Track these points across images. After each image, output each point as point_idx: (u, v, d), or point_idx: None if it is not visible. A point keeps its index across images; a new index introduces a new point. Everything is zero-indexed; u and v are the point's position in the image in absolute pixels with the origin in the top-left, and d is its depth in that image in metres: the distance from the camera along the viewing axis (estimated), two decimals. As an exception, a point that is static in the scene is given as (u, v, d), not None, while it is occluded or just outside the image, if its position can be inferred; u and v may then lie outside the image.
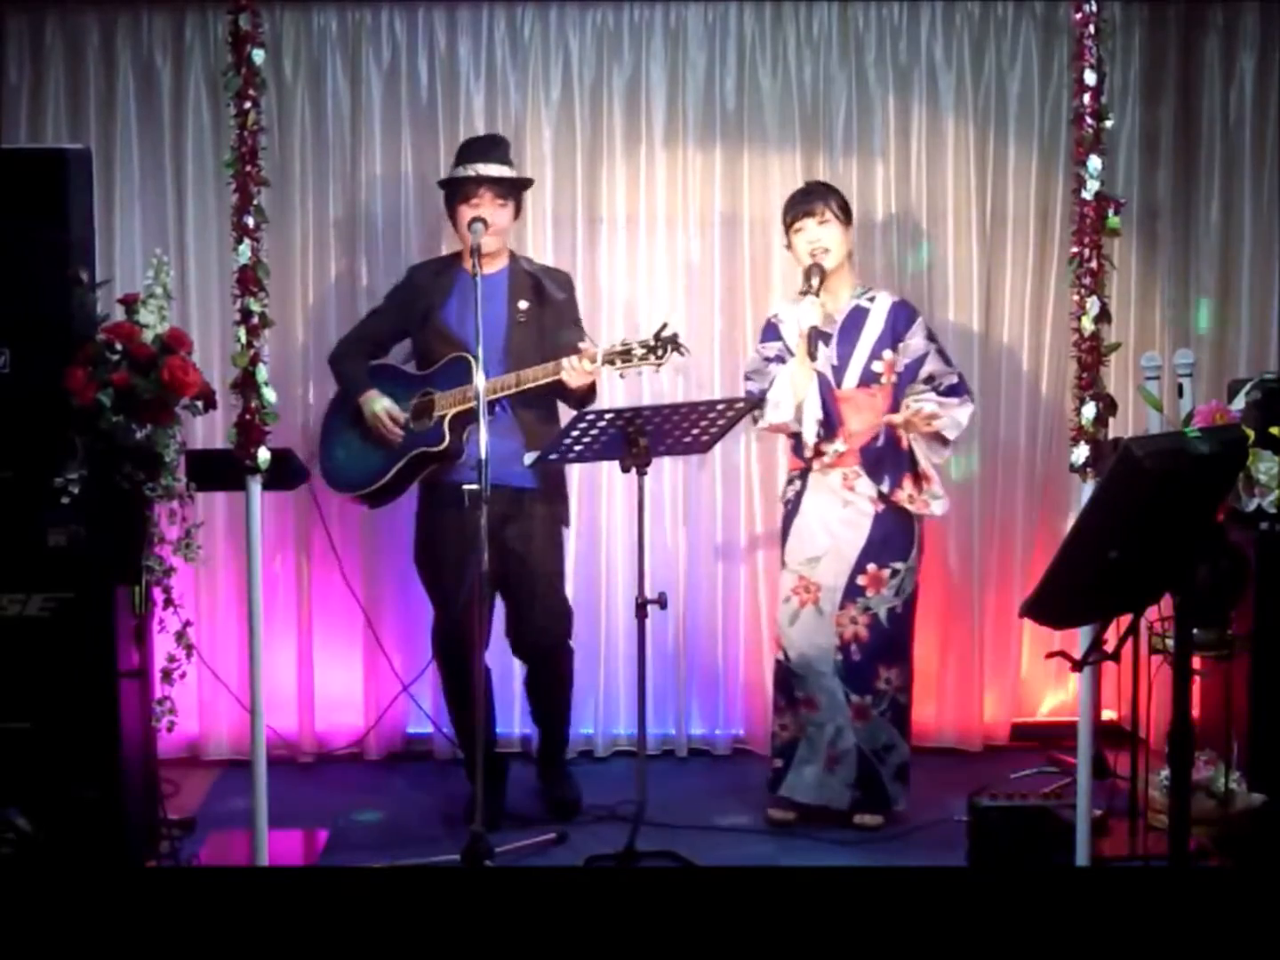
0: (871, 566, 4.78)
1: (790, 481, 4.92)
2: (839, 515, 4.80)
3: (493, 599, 4.85)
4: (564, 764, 5.10)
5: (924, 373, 4.80)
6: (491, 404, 4.67)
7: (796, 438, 4.84)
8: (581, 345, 4.66)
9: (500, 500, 4.64)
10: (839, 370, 4.81)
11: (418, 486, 4.91)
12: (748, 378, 4.92)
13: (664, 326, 4.59)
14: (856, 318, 4.85)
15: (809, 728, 4.81)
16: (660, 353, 4.55)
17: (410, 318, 4.92)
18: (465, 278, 4.78)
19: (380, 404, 4.83)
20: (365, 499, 4.95)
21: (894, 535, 4.79)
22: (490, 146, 4.90)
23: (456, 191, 4.83)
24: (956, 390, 4.82)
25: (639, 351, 4.58)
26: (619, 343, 4.66)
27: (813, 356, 4.73)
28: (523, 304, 4.85)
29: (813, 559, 4.81)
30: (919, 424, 4.71)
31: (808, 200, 4.83)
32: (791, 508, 4.87)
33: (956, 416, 4.79)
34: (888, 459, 4.77)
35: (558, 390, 4.75)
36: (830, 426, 4.78)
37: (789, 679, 4.85)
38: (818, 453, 4.79)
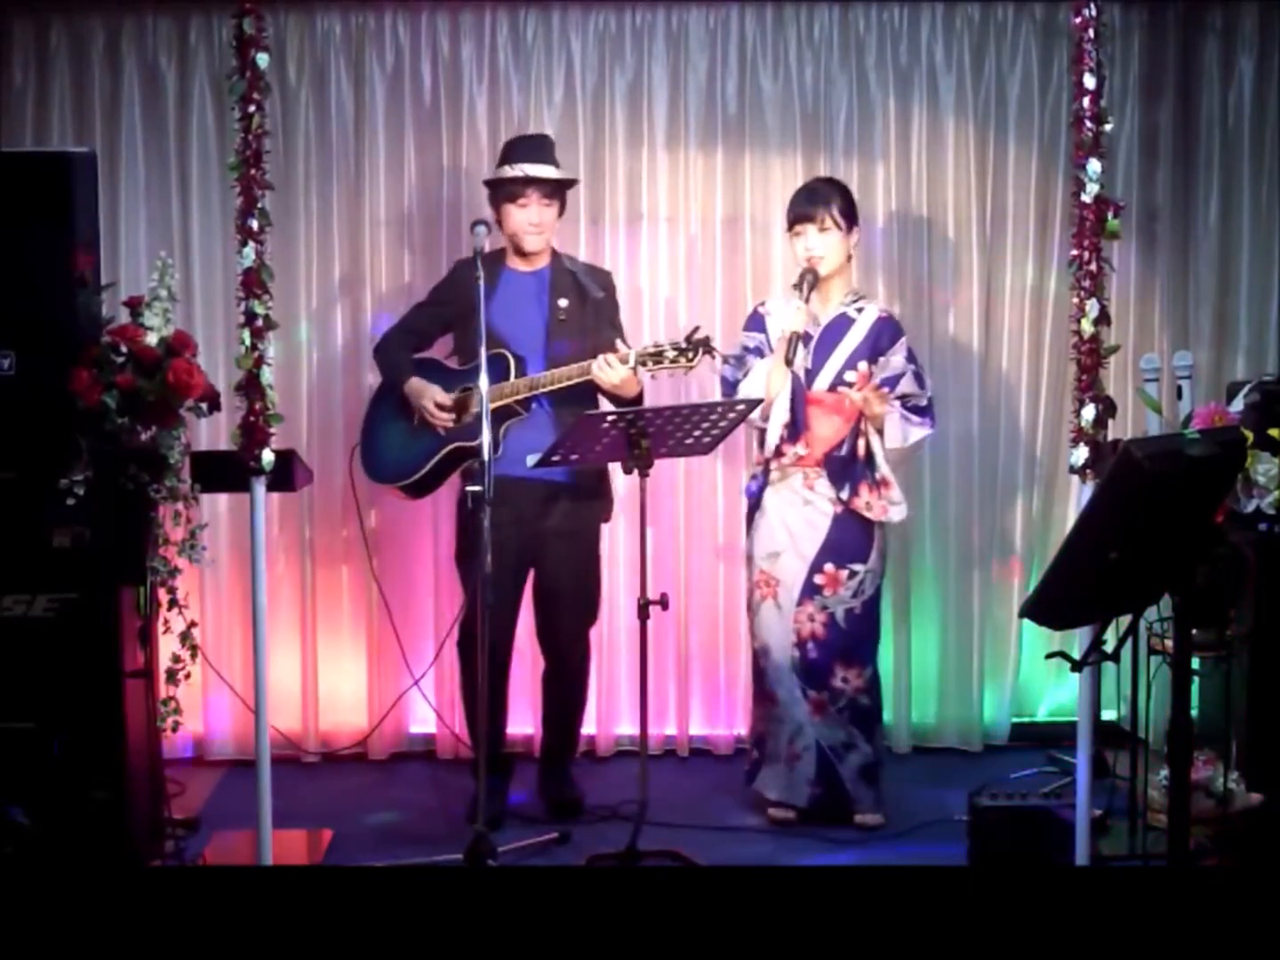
0: (829, 566, 4.80)
1: (754, 476, 4.95)
2: (799, 514, 4.83)
3: (519, 597, 4.89)
4: (568, 764, 5.11)
5: (898, 391, 4.81)
6: (529, 401, 4.73)
7: (761, 433, 4.87)
8: (617, 345, 4.70)
9: (533, 495, 4.74)
10: (812, 374, 4.84)
11: (459, 481, 4.92)
12: (725, 360, 4.90)
13: (696, 329, 4.64)
14: (840, 325, 4.87)
15: (771, 723, 4.85)
16: (692, 355, 4.60)
17: (453, 313, 4.92)
18: (509, 275, 4.86)
19: (426, 390, 4.85)
20: (404, 490, 4.98)
21: (853, 537, 4.81)
22: (538, 146, 4.91)
23: (502, 190, 4.84)
24: (922, 412, 4.84)
25: (671, 353, 4.62)
26: (651, 344, 4.72)
27: (789, 362, 4.74)
28: (563, 302, 4.87)
29: (773, 554, 4.84)
30: (874, 399, 4.72)
31: (811, 204, 4.83)
32: (754, 502, 4.90)
33: (908, 431, 4.79)
34: (848, 467, 4.80)
35: (604, 393, 4.78)
36: (795, 429, 4.81)
37: (758, 671, 4.91)
38: (779, 453, 4.82)
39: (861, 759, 4.83)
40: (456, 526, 5.00)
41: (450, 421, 4.82)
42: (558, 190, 4.90)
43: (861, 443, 4.81)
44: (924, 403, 4.85)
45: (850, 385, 4.81)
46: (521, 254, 4.89)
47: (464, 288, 4.83)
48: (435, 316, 4.98)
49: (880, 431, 4.79)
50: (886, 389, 4.78)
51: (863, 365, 4.83)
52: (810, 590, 4.80)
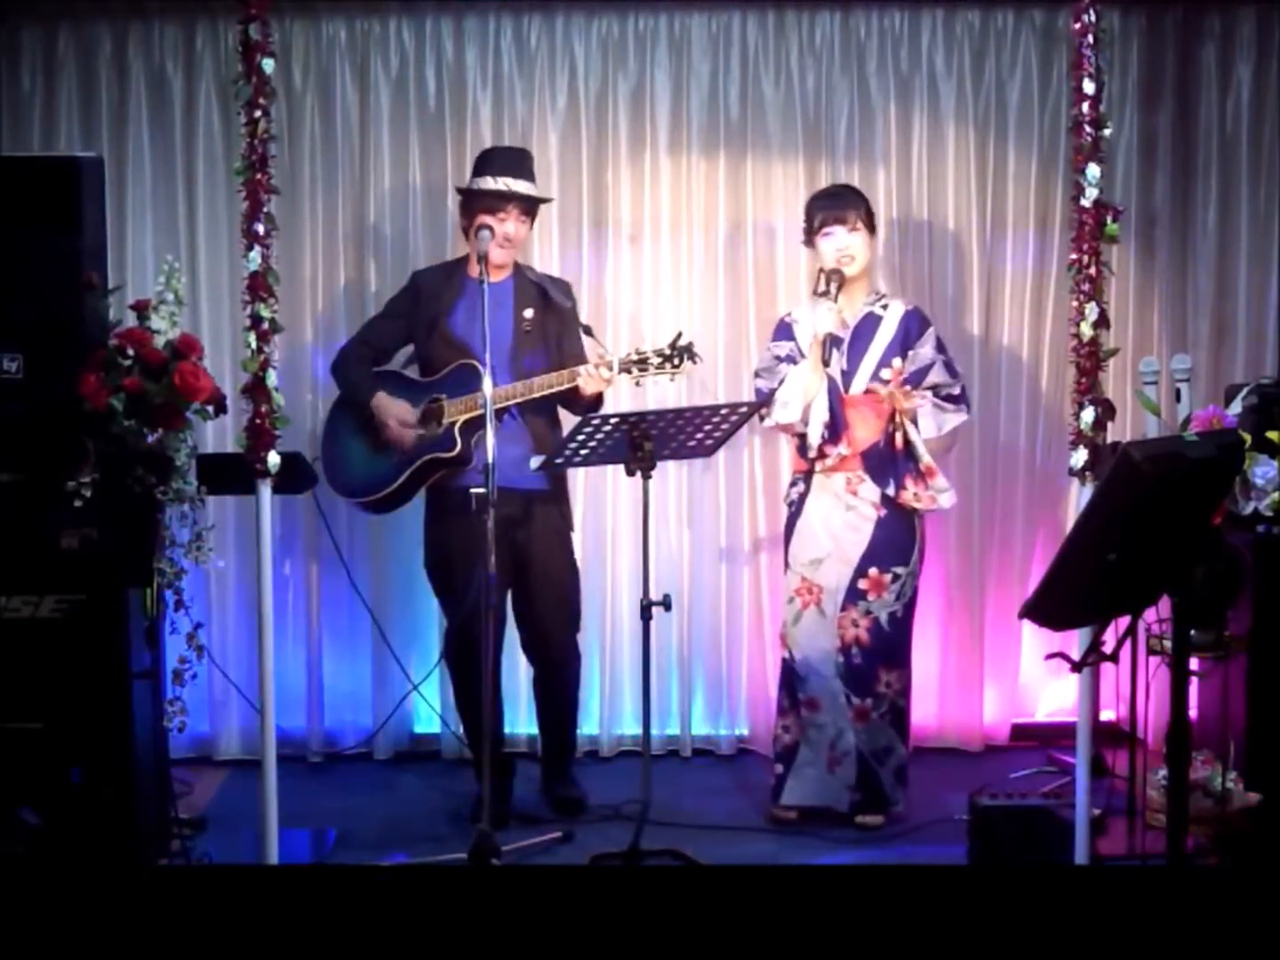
0: (873, 570, 4.83)
1: (794, 484, 4.97)
2: (841, 519, 4.85)
3: (503, 601, 4.89)
4: (569, 764, 5.13)
5: (928, 381, 4.86)
6: (501, 411, 4.70)
7: (801, 438, 4.89)
8: (599, 354, 4.71)
9: (510, 503, 4.68)
10: (848, 375, 4.87)
11: (425, 493, 4.92)
12: (757, 374, 4.97)
13: (679, 336, 4.65)
14: (869, 325, 4.90)
15: (810, 729, 4.87)
16: (676, 361, 4.61)
17: (416, 324, 4.93)
18: (473, 285, 4.81)
19: (393, 409, 4.85)
20: (372, 505, 4.96)
21: (896, 539, 4.84)
22: (519, 161, 4.90)
23: (479, 201, 4.83)
24: (956, 400, 4.89)
25: (655, 360, 4.63)
26: (635, 351, 4.70)
27: (826, 363, 4.80)
28: (528, 312, 4.87)
29: (815, 561, 4.87)
30: (899, 395, 4.78)
31: (841, 206, 4.86)
32: (795, 509, 4.92)
33: (942, 420, 4.86)
34: (889, 461, 4.83)
35: (567, 398, 4.79)
36: (835, 430, 4.84)
37: (793, 679, 4.91)
38: (821, 455, 4.85)
39: (898, 760, 4.88)
40: (425, 535, 5.01)
41: (411, 436, 4.81)
42: (534, 206, 4.91)
43: (899, 435, 4.83)
44: (956, 390, 4.90)
45: (886, 383, 4.85)
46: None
47: (426, 298, 4.89)
48: (395, 329, 4.97)
49: (915, 424, 4.82)
50: (909, 385, 4.82)
51: (896, 361, 4.86)
52: (854, 595, 4.83)
